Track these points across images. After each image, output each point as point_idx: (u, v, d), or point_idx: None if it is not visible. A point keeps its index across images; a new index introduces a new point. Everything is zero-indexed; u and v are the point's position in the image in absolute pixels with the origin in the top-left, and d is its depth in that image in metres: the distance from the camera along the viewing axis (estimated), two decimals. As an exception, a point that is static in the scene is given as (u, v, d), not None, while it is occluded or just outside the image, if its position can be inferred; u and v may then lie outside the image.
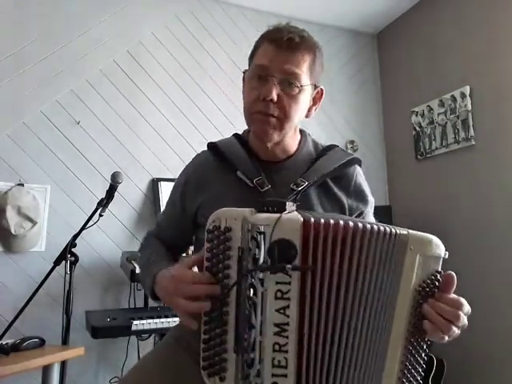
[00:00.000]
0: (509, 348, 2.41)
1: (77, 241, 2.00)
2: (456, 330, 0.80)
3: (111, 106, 2.67)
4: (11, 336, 1.83)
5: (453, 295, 0.80)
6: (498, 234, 2.50)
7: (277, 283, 0.73)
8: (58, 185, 2.48)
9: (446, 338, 0.80)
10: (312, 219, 0.75)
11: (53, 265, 1.94)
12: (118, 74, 2.72)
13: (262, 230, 0.74)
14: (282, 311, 0.73)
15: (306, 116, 1.07)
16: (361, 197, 1.10)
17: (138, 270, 2.16)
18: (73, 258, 1.99)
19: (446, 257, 0.80)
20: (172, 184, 1.20)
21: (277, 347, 0.73)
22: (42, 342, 1.85)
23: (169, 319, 2.07)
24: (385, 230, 0.78)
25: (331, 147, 1.12)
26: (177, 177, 1.17)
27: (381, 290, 0.78)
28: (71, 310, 1.95)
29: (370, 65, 3.54)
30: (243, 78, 1.07)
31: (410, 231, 0.79)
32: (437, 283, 0.80)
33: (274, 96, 0.96)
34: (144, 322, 2.02)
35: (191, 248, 1.25)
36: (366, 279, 0.77)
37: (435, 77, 2.99)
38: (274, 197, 0.97)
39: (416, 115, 3.13)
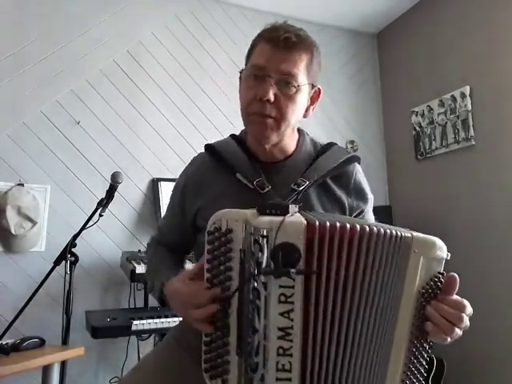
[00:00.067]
0: (509, 348, 2.41)
1: (77, 241, 2.00)
2: (459, 332, 0.80)
3: (111, 106, 2.67)
4: (11, 336, 1.83)
5: (455, 297, 0.80)
6: (498, 233, 2.50)
7: (280, 287, 0.72)
8: (58, 185, 2.48)
9: (449, 339, 0.80)
10: (317, 222, 0.73)
11: (53, 265, 1.94)
12: (118, 74, 2.72)
13: (265, 233, 0.72)
14: (285, 315, 0.72)
15: (304, 116, 1.06)
16: (361, 195, 1.09)
17: (138, 270, 2.17)
18: (73, 258, 1.98)
19: (449, 258, 0.80)
20: (172, 184, 1.20)
21: (281, 351, 0.72)
22: (42, 342, 1.85)
23: (169, 319, 2.07)
24: (390, 232, 0.77)
25: (330, 145, 1.12)
26: (177, 177, 1.17)
27: (385, 292, 0.78)
28: (71, 310, 1.95)
29: (369, 65, 3.54)
30: (240, 77, 1.06)
31: (414, 233, 0.79)
32: (439, 285, 0.79)
33: (271, 96, 0.95)
34: (144, 322, 2.02)
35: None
36: (372, 282, 0.76)
37: (435, 77, 2.99)
38: (275, 198, 0.97)
39: (416, 115, 3.13)
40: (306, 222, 0.73)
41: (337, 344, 0.75)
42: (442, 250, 0.79)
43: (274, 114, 0.98)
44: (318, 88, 1.07)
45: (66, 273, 1.96)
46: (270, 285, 0.72)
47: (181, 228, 1.14)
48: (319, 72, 1.06)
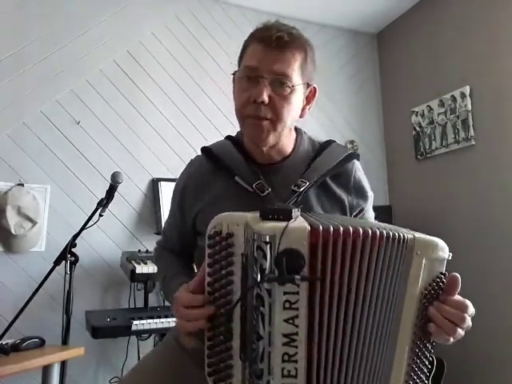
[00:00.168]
0: (509, 348, 2.41)
1: (77, 241, 2.00)
2: (461, 332, 0.80)
3: (111, 106, 2.67)
4: (11, 336, 1.83)
5: (458, 297, 0.80)
6: (498, 234, 2.50)
7: (285, 293, 0.71)
8: (58, 185, 2.48)
9: (451, 340, 0.80)
10: (320, 227, 0.72)
11: (53, 265, 1.94)
12: (118, 74, 2.72)
13: (268, 240, 0.71)
14: (290, 321, 0.71)
15: (300, 116, 1.05)
16: (361, 193, 1.08)
17: (138, 270, 2.17)
18: (73, 258, 1.98)
19: (450, 258, 0.80)
20: (172, 184, 1.19)
21: (286, 357, 0.72)
22: (42, 342, 1.85)
23: (169, 319, 2.07)
24: (393, 235, 0.76)
25: (328, 143, 1.10)
26: (177, 177, 1.16)
27: (389, 295, 0.77)
28: (71, 310, 1.95)
29: (369, 65, 3.54)
30: (233, 79, 1.04)
31: (416, 235, 0.78)
32: (441, 285, 0.79)
33: (265, 98, 0.94)
34: (144, 322, 2.02)
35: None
36: (375, 285, 0.76)
37: (435, 77, 2.99)
38: (275, 200, 0.95)
39: (416, 115, 3.13)
40: (309, 227, 0.72)
41: (341, 348, 0.75)
42: (444, 251, 0.79)
43: (270, 116, 0.96)
44: (314, 87, 1.05)
45: (66, 273, 1.96)
46: (275, 292, 0.71)
47: (182, 231, 1.13)
48: (314, 71, 1.04)
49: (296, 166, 1.04)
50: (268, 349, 0.72)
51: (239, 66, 1.03)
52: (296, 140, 1.10)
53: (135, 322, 2.00)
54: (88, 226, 2.05)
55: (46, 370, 1.77)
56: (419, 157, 3.09)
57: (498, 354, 2.46)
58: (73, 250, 1.98)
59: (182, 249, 1.16)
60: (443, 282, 0.79)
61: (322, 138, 1.15)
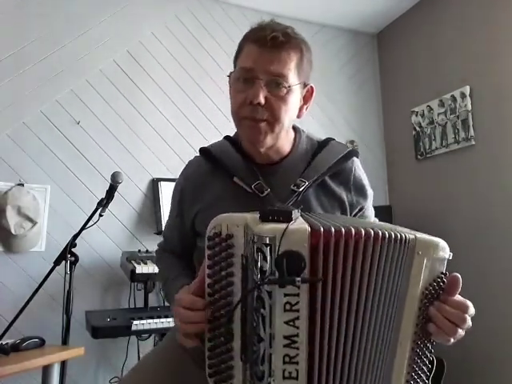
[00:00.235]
0: (509, 348, 2.41)
1: (77, 241, 2.00)
2: (461, 332, 0.80)
3: (111, 106, 2.67)
4: (11, 336, 1.83)
5: (458, 297, 0.80)
6: (498, 234, 2.50)
7: (285, 295, 0.70)
8: (58, 185, 2.48)
9: (452, 340, 0.80)
10: (321, 228, 0.71)
11: (53, 265, 1.94)
12: (118, 74, 2.72)
13: (268, 242, 0.70)
14: (291, 323, 0.71)
15: (298, 116, 1.03)
16: (361, 191, 1.07)
17: (138, 270, 2.17)
18: (73, 258, 1.98)
19: (451, 258, 0.80)
20: (172, 184, 1.18)
21: (287, 359, 0.72)
22: (42, 342, 1.85)
23: (169, 319, 2.07)
24: (395, 235, 0.76)
25: (327, 141, 1.09)
26: (177, 177, 1.16)
27: (390, 296, 0.77)
28: (71, 310, 1.95)
29: (369, 65, 3.54)
30: (229, 80, 1.03)
31: (417, 235, 0.78)
32: (442, 285, 0.79)
33: (262, 99, 0.93)
34: (144, 322, 2.02)
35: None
36: (377, 287, 0.75)
37: (435, 77, 2.99)
38: (275, 201, 0.95)
39: (416, 115, 3.13)
40: (309, 228, 0.71)
41: (343, 349, 0.75)
42: (445, 251, 0.79)
43: (267, 117, 0.95)
44: (311, 86, 1.04)
45: (66, 273, 1.96)
46: (275, 294, 0.70)
47: (182, 233, 1.12)
48: (311, 70, 1.03)
49: (295, 165, 1.04)
50: (269, 350, 0.72)
51: (235, 67, 1.03)
52: (294, 139, 1.09)
53: (135, 322, 2.00)
54: (88, 226, 2.04)
55: (46, 370, 1.77)
56: (419, 157, 3.09)
57: (498, 353, 2.46)
58: (73, 250, 1.98)
59: (183, 250, 1.16)
60: (444, 282, 0.79)
61: (321, 137, 1.14)
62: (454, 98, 2.82)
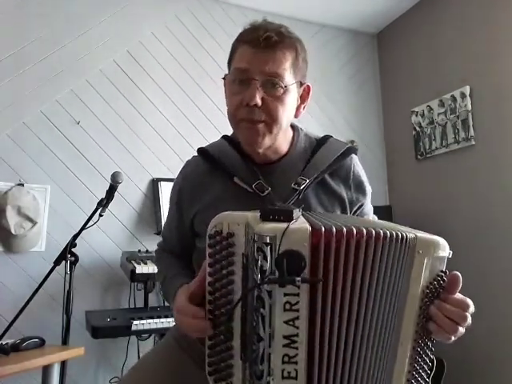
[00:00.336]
0: (509, 348, 2.41)
1: (77, 241, 2.00)
2: (462, 331, 0.79)
3: (111, 106, 2.67)
4: (11, 336, 1.83)
5: (458, 295, 0.80)
6: (498, 234, 2.50)
7: (285, 295, 0.70)
8: (58, 185, 2.48)
9: (452, 338, 0.80)
10: (322, 228, 0.71)
11: (53, 265, 1.94)
12: (118, 74, 2.72)
13: (269, 241, 0.70)
14: (291, 323, 0.71)
15: (296, 116, 1.03)
16: (360, 188, 1.07)
17: (138, 270, 2.17)
18: (73, 258, 1.99)
19: (450, 256, 0.80)
20: (172, 184, 1.18)
21: (286, 359, 0.71)
22: (42, 342, 1.85)
23: (169, 319, 2.07)
24: (396, 235, 0.75)
25: (325, 139, 1.09)
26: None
27: (391, 295, 0.77)
28: (71, 310, 1.95)
29: (369, 65, 3.54)
30: (224, 83, 1.02)
31: (418, 234, 0.78)
32: (442, 283, 0.79)
33: (258, 100, 0.92)
34: (144, 322, 2.02)
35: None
36: (378, 286, 0.75)
37: (435, 77, 2.99)
38: (276, 200, 0.94)
39: (416, 115, 3.13)
40: (310, 228, 0.71)
41: (344, 349, 0.74)
42: (445, 250, 0.79)
43: (264, 118, 0.94)
44: (308, 85, 1.03)
45: (65, 273, 1.96)
46: (275, 293, 0.70)
47: (181, 233, 1.12)
48: (307, 68, 1.02)
49: (294, 163, 1.03)
50: (268, 350, 0.72)
51: (229, 69, 1.02)
52: (293, 138, 1.08)
53: (135, 322, 2.00)
54: (88, 226, 2.05)
55: (46, 370, 1.77)
56: (419, 157, 3.09)
57: (498, 354, 2.46)
58: (73, 250, 1.98)
59: (182, 250, 1.15)
60: (444, 281, 0.79)
61: (320, 136, 1.14)
62: (453, 98, 2.82)
